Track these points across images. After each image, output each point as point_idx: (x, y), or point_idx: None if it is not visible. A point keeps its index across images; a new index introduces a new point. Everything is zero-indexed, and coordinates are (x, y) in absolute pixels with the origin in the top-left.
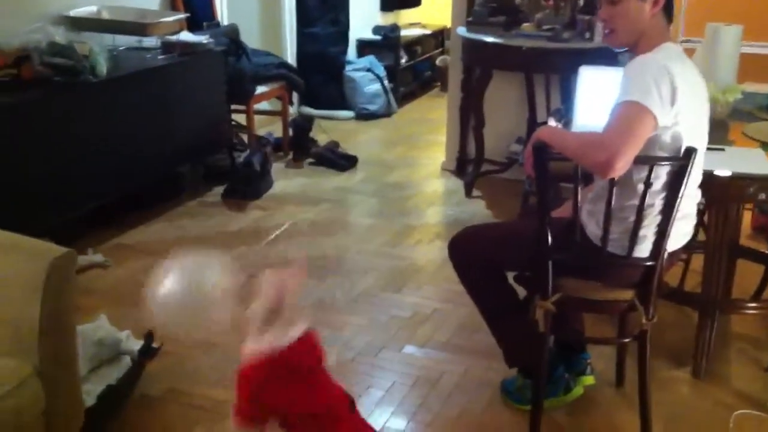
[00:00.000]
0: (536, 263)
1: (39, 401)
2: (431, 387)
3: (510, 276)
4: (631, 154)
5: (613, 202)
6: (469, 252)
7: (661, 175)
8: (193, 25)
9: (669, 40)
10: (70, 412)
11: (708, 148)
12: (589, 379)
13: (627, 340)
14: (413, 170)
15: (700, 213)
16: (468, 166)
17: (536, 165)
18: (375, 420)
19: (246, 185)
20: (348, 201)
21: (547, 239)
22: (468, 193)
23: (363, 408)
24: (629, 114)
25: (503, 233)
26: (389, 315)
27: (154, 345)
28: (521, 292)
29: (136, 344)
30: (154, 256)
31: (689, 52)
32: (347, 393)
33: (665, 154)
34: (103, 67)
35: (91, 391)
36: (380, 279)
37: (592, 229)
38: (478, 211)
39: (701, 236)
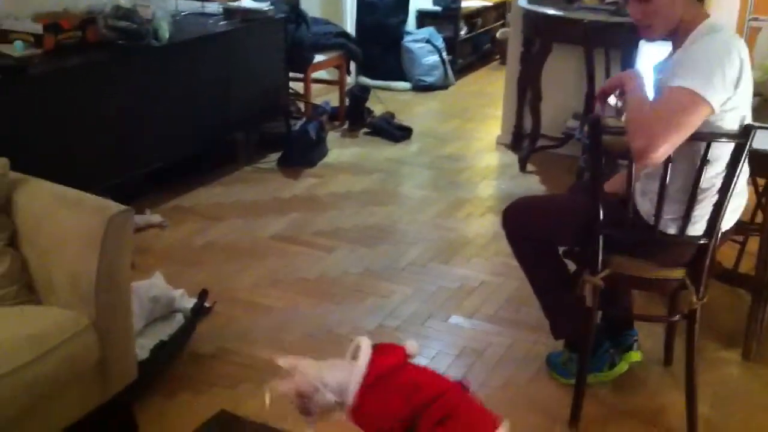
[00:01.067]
0: (587, 238)
1: (94, 352)
2: (477, 357)
3: (560, 250)
4: (673, 144)
5: (667, 181)
6: (522, 223)
7: (719, 153)
8: None
9: (706, 16)
10: (124, 364)
11: (760, 127)
12: (635, 356)
13: (676, 318)
14: (468, 143)
15: (758, 194)
16: (523, 141)
17: (591, 138)
18: None
19: (301, 153)
20: (401, 172)
21: (599, 215)
22: (522, 168)
23: None
24: (682, 102)
25: (556, 206)
26: (437, 285)
27: (207, 304)
28: (571, 266)
29: (190, 302)
30: (209, 219)
31: (755, 31)
32: (453, 380)
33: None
34: (165, 32)
35: (144, 346)
36: (429, 250)
37: (645, 207)
38: (531, 186)
39: (759, 218)
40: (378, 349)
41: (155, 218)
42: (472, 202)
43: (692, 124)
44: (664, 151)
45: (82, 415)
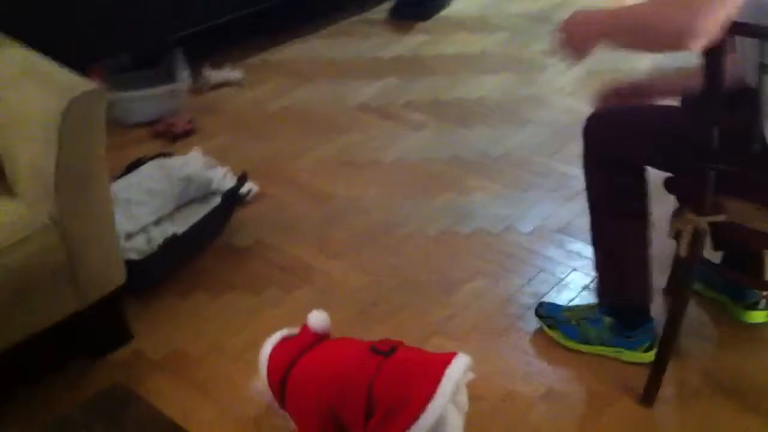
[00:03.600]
0: (693, 169)
1: (56, 255)
2: (555, 287)
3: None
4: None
5: None
6: (609, 134)
7: None
8: None
9: None
10: (102, 269)
11: None
12: (760, 315)
13: None
14: None
15: None
16: None
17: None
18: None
19: (416, 4)
20: (533, 32)
21: (712, 142)
22: None
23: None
24: None
25: (658, 119)
26: (530, 184)
27: (245, 190)
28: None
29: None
30: (294, 79)
31: None
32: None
33: None
34: None
35: (154, 239)
36: (540, 136)
37: None
38: None
39: None
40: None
41: (234, 75)
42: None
43: None
44: (716, 19)
45: (55, 321)
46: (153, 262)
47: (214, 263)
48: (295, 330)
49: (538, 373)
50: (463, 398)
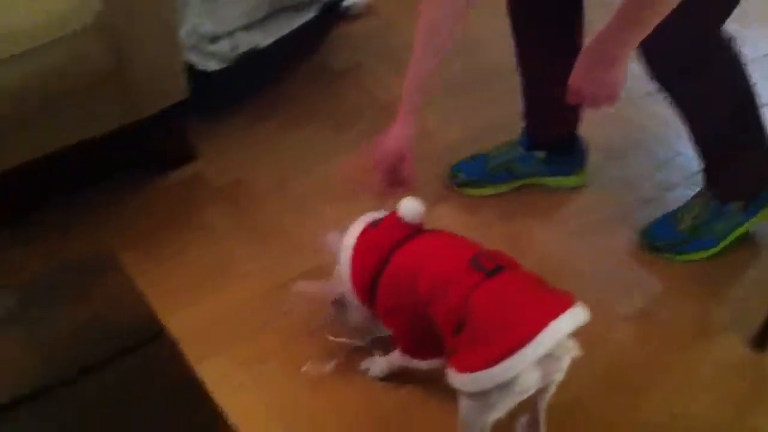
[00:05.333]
0: None
1: (103, 58)
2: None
3: None
4: None
5: None
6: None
7: None
8: None
9: None
10: (160, 79)
11: None
12: None
13: None
14: None
15: None
16: None
17: None
18: None
19: None
20: None
21: None
22: None
23: None
24: None
25: None
26: None
27: (349, 1)
28: None
29: None
30: None
31: None
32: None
33: None
34: None
35: (238, 47)
36: None
37: None
38: None
39: None
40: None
41: None
42: None
43: None
44: None
45: (107, 131)
46: (229, 77)
47: (299, 87)
48: (381, 214)
49: (632, 288)
50: (557, 368)
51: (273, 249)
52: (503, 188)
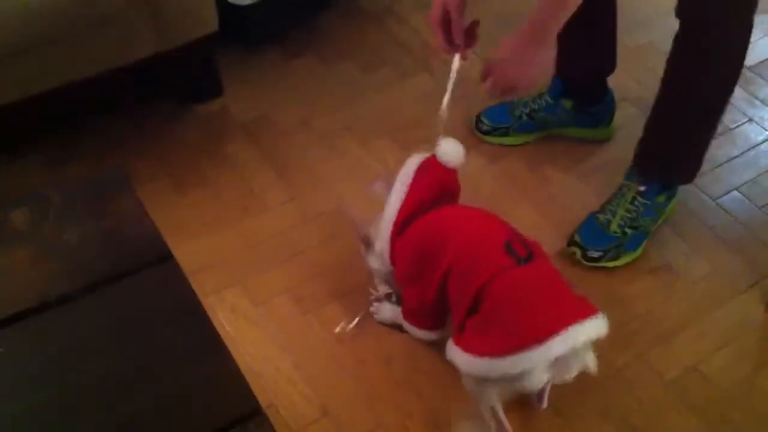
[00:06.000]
0: None
1: None
2: None
3: None
4: None
5: None
6: None
7: None
8: None
9: None
10: (189, 8)
11: None
12: None
13: None
14: None
15: None
16: None
17: None
18: None
19: None
20: None
21: None
22: None
23: None
24: None
25: None
26: None
27: None
28: None
29: None
30: None
31: None
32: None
33: None
34: None
35: None
36: None
37: None
38: None
39: None
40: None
41: None
42: None
43: None
44: None
45: (137, 59)
46: (260, 12)
47: (330, 26)
48: (423, 156)
49: (651, 245)
50: (567, 372)
51: (295, 185)
52: (528, 138)
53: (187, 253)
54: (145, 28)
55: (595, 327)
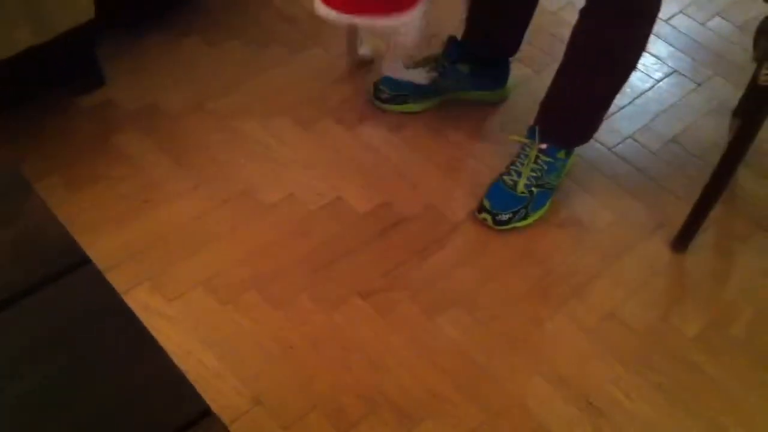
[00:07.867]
0: None
1: None
2: None
3: None
4: None
5: None
6: None
7: None
8: None
9: None
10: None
11: None
12: None
13: None
14: None
15: None
16: None
17: None
18: None
19: None
20: None
21: None
22: None
23: None
24: None
25: None
26: None
27: None
28: None
29: None
30: None
31: None
32: None
33: None
34: None
35: None
36: None
37: None
38: None
39: None
40: None
41: None
42: None
43: None
44: None
45: (13, 53)
46: None
47: (214, 4)
48: None
49: (559, 199)
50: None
51: (197, 172)
52: (427, 104)
53: (89, 253)
54: (20, 19)
55: None
